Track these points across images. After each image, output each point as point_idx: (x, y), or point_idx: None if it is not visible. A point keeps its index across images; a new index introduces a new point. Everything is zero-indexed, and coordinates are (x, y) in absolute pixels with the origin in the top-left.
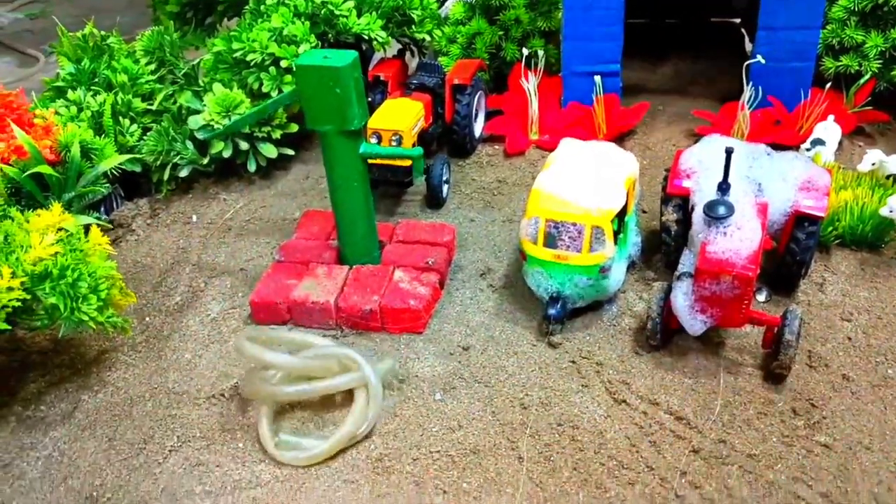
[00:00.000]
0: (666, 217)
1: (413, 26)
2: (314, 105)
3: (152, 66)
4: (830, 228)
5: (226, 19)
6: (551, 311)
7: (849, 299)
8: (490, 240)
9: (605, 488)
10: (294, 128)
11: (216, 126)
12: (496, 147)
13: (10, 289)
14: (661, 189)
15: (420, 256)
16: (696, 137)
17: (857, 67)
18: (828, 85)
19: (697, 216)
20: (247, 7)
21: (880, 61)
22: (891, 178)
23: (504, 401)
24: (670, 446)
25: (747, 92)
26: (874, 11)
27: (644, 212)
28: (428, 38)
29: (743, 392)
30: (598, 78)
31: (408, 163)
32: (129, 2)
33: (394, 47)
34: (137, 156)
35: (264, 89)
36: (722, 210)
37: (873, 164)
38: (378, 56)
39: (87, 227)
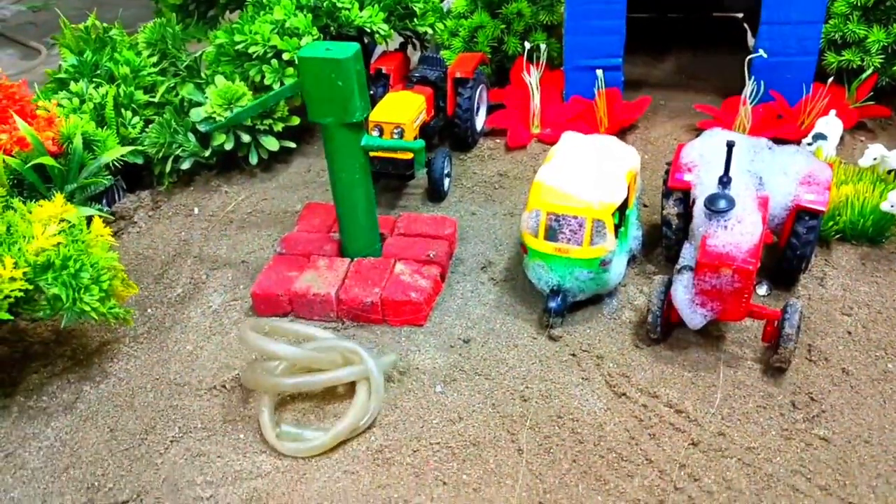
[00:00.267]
0: (667, 211)
1: (415, 19)
2: (316, 97)
3: (154, 59)
4: (831, 223)
5: (228, 12)
6: (552, 304)
7: (849, 294)
8: (491, 233)
9: (604, 480)
10: (296, 120)
11: (218, 118)
12: (497, 141)
13: (12, 279)
14: (662, 183)
15: (421, 249)
16: (698, 132)
17: (859, 62)
18: (829, 80)
19: (698, 210)
20: None
21: (882, 56)
22: (892, 173)
23: (504, 393)
24: (669, 439)
25: (749, 86)
26: (876, 6)
27: (645, 206)
28: (430, 31)
29: (742, 385)
30: (599, 72)
31: (409, 155)
32: None
33: (396, 40)
34: (139, 148)
35: (266, 82)
36: (723, 203)
37: (874, 159)
38: (380, 49)
39: (89, 219)
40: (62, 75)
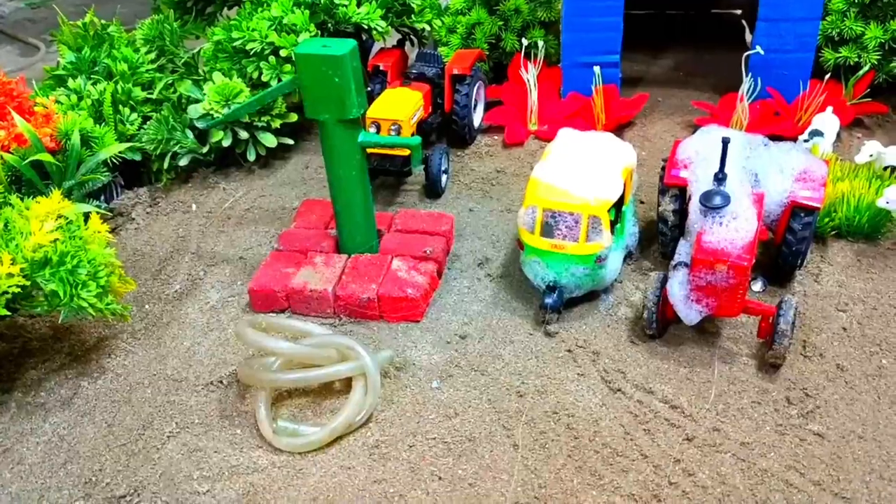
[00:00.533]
0: (663, 207)
1: (413, 16)
2: (313, 94)
3: (152, 55)
4: (827, 219)
5: (226, 8)
6: (548, 301)
7: (844, 290)
8: (488, 229)
9: (599, 475)
10: (294, 117)
11: (215, 115)
12: (495, 137)
13: (9, 275)
14: (658, 180)
15: (418, 246)
16: (695, 128)
17: (856, 59)
18: (827, 76)
19: (694, 206)
20: None
21: (879, 53)
22: (888, 170)
23: (500, 389)
24: (664, 434)
25: (746, 83)
26: (874, 3)
27: (642, 202)
28: (427, 27)
29: (737, 381)
30: (597, 69)
31: (406, 152)
32: None
33: (393, 37)
34: (137, 144)
35: (264, 78)
36: (718, 200)
37: (871, 156)
38: (378, 46)
39: (86, 215)
40: (60, 72)
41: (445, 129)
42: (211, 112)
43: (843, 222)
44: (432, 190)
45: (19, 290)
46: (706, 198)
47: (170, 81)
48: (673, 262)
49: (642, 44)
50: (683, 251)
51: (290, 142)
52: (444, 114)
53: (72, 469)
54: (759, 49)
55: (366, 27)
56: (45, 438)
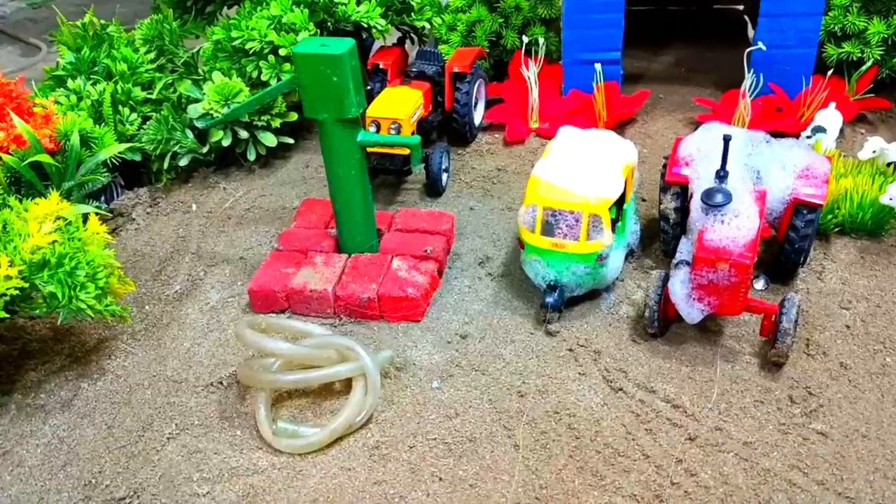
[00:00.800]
0: (664, 205)
1: (412, 14)
2: (312, 93)
3: (152, 55)
4: (830, 216)
5: (225, 7)
6: (549, 300)
7: (848, 287)
8: (489, 228)
9: (600, 476)
10: (294, 116)
11: (215, 115)
12: (496, 135)
13: (8, 277)
14: (660, 178)
15: (418, 245)
16: (697, 125)
17: (859, 54)
18: (829, 72)
19: (695, 204)
20: None
21: (882, 48)
22: (891, 166)
23: (501, 389)
24: (666, 434)
25: (748, 79)
26: None
27: (643, 200)
28: (428, 25)
29: (740, 380)
30: (598, 66)
31: (406, 151)
32: None
33: (393, 35)
34: (137, 145)
35: (263, 77)
36: (719, 198)
37: (874, 152)
38: (378, 44)
39: (85, 216)
40: (60, 72)
41: (446, 128)
42: (211, 112)
43: (847, 219)
44: (433, 188)
45: (18, 292)
46: (708, 195)
47: (169, 81)
48: (674, 261)
49: (644, 40)
50: (685, 249)
51: (291, 141)
52: (445, 112)
53: (71, 471)
54: (760, 45)
55: (365, 26)
56: (44, 440)
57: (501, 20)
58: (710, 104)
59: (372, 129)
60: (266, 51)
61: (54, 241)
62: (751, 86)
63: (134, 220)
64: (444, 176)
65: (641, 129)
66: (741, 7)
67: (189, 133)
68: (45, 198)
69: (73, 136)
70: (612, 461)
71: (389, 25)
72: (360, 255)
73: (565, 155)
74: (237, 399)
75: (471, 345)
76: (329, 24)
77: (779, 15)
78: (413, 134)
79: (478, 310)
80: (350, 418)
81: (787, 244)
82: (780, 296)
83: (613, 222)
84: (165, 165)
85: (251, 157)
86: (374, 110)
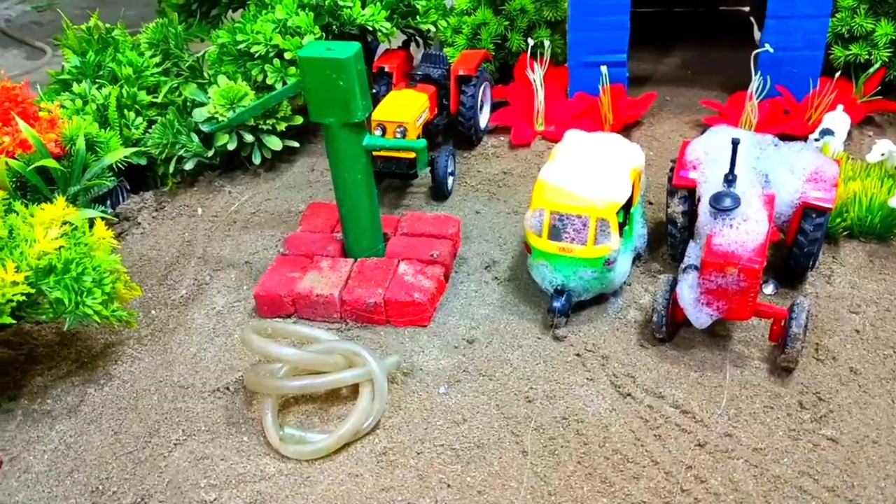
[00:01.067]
0: (672, 209)
1: (418, 17)
2: (317, 97)
3: (157, 59)
4: (839, 220)
5: (231, 11)
6: (556, 304)
7: (857, 291)
8: (495, 232)
9: (609, 482)
10: (299, 120)
11: (220, 118)
12: (501, 138)
13: (14, 283)
14: (667, 181)
15: (425, 249)
16: (704, 128)
17: (866, 56)
18: (837, 74)
19: (703, 208)
20: None
21: (890, 50)
22: None
23: (509, 394)
24: (675, 440)
25: (755, 82)
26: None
27: (650, 203)
28: (433, 28)
29: (749, 385)
30: (604, 68)
31: (412, 155)
32: None
33: (399, 38)
34: (142, 149)
35: (268, 81)
36: (728, 202)
37: (882, 155)
38: (383, 47)
39: (91, 221)
40: (65, 76)
41: (451, 131)
42: (216, 115)
43: (855, 222)
44: (438, 192)
45: (24, 297)
46: (716, 200)
47: (174, 85)
48: (683, 265)
49: (649, 42)
50: (693, 254)
51: (296, 144)
52: (450, 115)
53: (78, 478)
54: (767, 47)
55: (371, 29)
56: (51, 447)
57: (507, 23)
58: (717, 106)
59: (377, 132)
60: (271, 54)
61: (60, 247)
62: (758, 88)
63: (139, 224)
64: (450, 179)
65: (648, 132)
66: (747, 8)
67: (194, 137)
68: (51, 202)
69: (78, 141)
70: (621, 467)
71: (395, 28)
72: (367, 260)
73: (572, 158)
74: (244, 404)
75: (478, 350)
76: (334, 27)
77: (786, 17)
78: (419, 138)
79: (484, 314)
80: (357, 424)
81: (795, 248)
82: (790, 300)
83: (621, 226)
84: (171, 169)
85: (256, 160)
86: (379, 114)
